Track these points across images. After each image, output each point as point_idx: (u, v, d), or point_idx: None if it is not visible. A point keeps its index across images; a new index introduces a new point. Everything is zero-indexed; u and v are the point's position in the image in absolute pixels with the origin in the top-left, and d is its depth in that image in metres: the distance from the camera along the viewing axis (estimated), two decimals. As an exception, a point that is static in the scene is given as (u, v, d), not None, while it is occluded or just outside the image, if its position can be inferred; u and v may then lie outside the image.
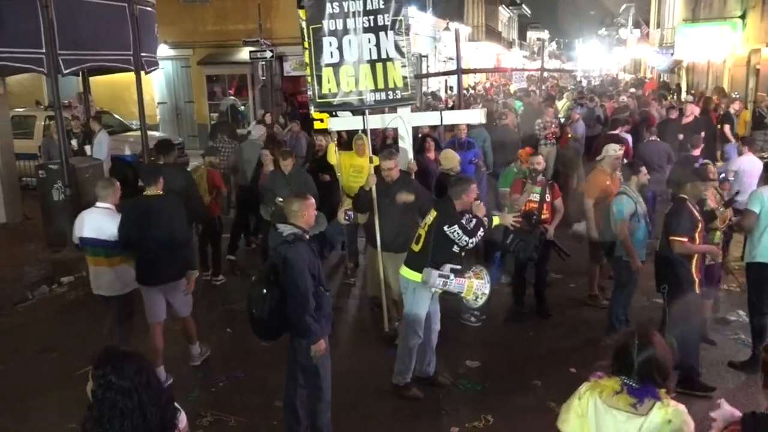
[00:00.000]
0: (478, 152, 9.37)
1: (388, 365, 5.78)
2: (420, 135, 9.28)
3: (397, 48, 6.16)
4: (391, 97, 6.36)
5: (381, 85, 6.33)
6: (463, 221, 5.26)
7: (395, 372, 5.60)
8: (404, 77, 6.24)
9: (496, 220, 5.68)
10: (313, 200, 4.70)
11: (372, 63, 6.27)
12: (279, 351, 5.06)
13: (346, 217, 6.30)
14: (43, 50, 8.39)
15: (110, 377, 2.42)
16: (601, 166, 7.27)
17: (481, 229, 5.31)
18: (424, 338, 5.56)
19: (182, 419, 2.70)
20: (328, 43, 6.34)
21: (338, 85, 6.42)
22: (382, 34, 6.16)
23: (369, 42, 6.24)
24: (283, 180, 7.56)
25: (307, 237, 4.51)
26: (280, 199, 7.27)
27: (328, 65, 6.41)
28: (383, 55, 6.22)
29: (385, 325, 6.66)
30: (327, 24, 6.29)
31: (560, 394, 5.56)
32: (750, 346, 6.02)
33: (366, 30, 6.20)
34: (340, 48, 6.31)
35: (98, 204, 5.67)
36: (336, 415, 5.28)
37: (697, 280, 5.46)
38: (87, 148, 11.33)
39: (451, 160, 7.22)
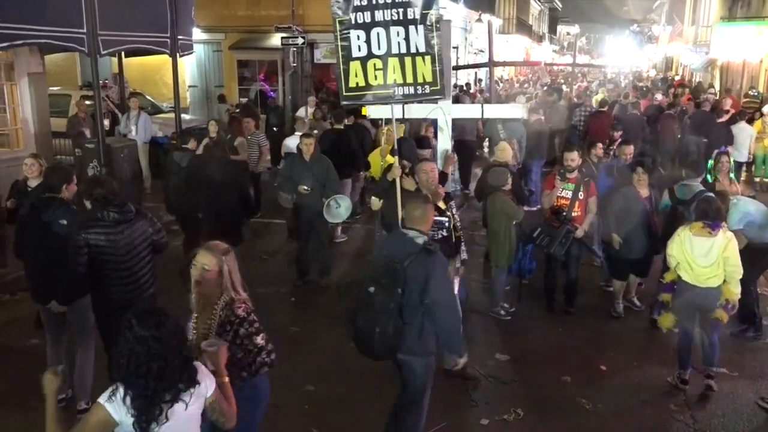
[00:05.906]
0: None
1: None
2: None
3: (427, 43, 6.06)
4: (419, 91, 6.22)
5: (410, 80, 6.19)
6: None
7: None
8: (434, 72, 6.11)
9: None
10: (432, 204, 4.72)
11: (401, 57, 6.16)
12: (311, 337, 5.10)
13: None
14: (84, 30, 8.47)
15: (132, 321, 2.82)
16: None
17: None
18: None
19: (210, 385, 3.03)
20: (356, 37, 6.21)
21: (366, 78, 6.33)
22: (411, 28, 6.01)
23: (398, 35, 6.10)
24: (304, 166, 7.52)
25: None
26: (305, 188, 7.27)
27: (355, 59, 6.29)
28: (412, 50, 6.09)
29: None
30: (354, 17, 6.18)
31: (591, 391, 5.62)
32: None
33: (395, 23, 6.08)
34: (368, 41, 6.19)
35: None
36: (363, 405, 5.35)
37: None
38: (132, 128, 11.53)
39: (505, 152, 7.44)
